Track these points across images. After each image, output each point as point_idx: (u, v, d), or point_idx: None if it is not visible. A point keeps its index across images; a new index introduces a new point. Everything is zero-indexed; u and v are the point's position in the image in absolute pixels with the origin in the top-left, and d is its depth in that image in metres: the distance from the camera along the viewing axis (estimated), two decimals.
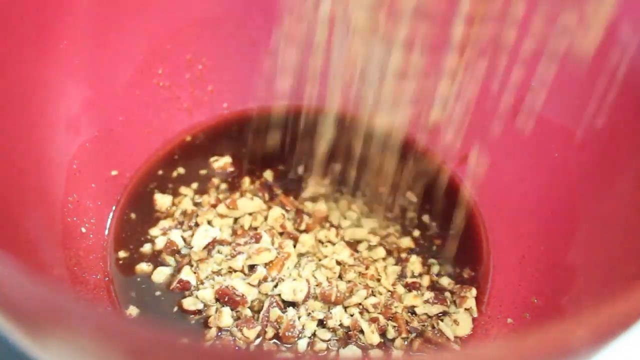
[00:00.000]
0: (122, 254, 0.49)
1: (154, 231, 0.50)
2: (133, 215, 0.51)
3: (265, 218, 0.50)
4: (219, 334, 0.44)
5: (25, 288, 0.22)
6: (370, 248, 0.50)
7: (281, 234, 0.49)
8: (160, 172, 0.55)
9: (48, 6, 0.45)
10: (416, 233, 0.52)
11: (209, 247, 0.48)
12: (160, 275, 0.47)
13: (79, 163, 0.50)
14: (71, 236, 0.48)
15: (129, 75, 0.55)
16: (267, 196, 0.53)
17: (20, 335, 0.26)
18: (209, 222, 0.50)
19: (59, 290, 0.27)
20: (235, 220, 0.50)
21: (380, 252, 0.50)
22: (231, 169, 0.55)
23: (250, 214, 0.50)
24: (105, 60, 0.52)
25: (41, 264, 0.43)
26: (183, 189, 0.53)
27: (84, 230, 0.49)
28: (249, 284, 0.46)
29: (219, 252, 0.48)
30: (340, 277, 0.47)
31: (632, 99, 0.42)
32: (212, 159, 0.56)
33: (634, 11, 0.42)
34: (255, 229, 0.49)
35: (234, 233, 0.49)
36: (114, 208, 0.52)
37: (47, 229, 0.45)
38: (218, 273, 0.47)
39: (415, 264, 0.49)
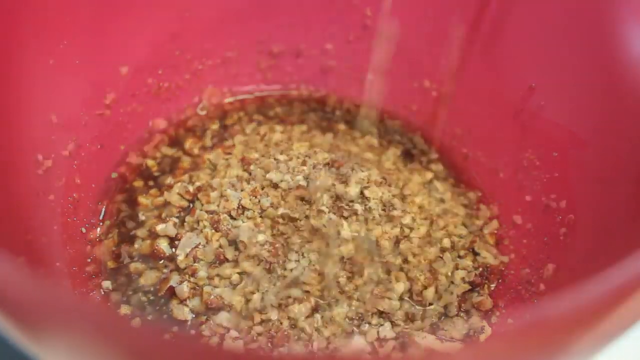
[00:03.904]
0: (112, 261, 0.49)
1: (142, 232, 0.50)
2: (126, 215, 0.51)
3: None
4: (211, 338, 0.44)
5: (25, 288, 0.22)
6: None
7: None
8: (155, 172, 0.55)
9: (49, 7, 0.45)
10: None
11: (194, 254, 0.48)
12: (149, 278, 0.47)
13: (79, 163, 0.51)
14: (71, 236, 0.48)
15: (129, 75, 0.55)
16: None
17: (19, 334, 0.26)
18: (195, 228, 0.50)
19: (59, 291, 0.27)
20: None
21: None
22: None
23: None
24: (105, 60, 0.52)
25: (42, 264, 0.43)
26: (173, 190, 0.53)
27: (84, 230, 0.49)
28: (237, 295, 0.46)
29: (204, 259, 0.48)
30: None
31: (632, 100, 0.42)
32: (207, 160, 0.56)
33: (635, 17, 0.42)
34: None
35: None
36: (106, 205, 0.52)
37: (47, 229, 0.45)
38: (207, 280, 0.47)
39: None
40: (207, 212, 0.51)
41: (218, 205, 0.51)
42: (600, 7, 0.44)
